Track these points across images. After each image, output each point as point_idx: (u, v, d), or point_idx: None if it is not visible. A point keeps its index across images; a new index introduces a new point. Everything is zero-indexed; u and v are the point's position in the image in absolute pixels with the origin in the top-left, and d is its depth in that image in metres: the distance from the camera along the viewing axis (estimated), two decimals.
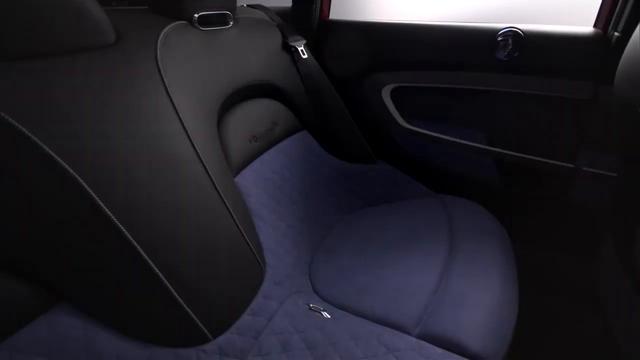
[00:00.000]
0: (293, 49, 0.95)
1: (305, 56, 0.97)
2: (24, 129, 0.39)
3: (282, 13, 1.02)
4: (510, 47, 0.85)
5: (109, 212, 0.44)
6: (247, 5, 0.98)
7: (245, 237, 0.64)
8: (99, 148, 0.46)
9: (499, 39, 0.87)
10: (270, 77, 0.89)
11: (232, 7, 0.80)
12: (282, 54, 0.95)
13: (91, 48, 0.50)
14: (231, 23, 0.80)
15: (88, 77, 0.48)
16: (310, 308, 0.68)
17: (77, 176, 0.42)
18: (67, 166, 0.41)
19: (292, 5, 1.05)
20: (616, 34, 0.78)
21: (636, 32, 0.63)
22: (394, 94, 1.05)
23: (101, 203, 0.44)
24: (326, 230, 0.94)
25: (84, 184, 0.42)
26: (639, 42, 0.59)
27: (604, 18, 0.83)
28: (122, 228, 0.45)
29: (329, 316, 0.66)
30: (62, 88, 0.45)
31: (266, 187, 0.82)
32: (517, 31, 0.85)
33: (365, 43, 1.03)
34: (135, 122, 0.51)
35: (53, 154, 0.41)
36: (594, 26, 0.84)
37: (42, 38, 0.44)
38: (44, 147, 0.40)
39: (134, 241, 0.46)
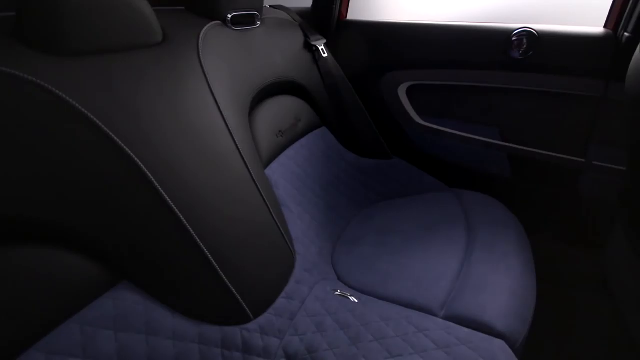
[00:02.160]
0: (314, 48, 0.99)
1: (325, 55, 1.01)
2: (91, 116, 0.43)
3: (301, 13, 1.06)
4: (525, 46, 0.89)
5: (167, 198, 0.48)
6: (270, 6, 1.01)
7: (278, 225, 0.68)
8: (155, 137, 0.49)
9: (514, 38, 0.91)
10: (293, 75, 0.93)
11: (260, 7, 0.83)
12: (303, 53, 0.98)
13: (144, 46, 0.54)
14: (258, 23, 0.83)
15: (143, 73, 0.52)
16: (338, 293, 0.71)
17: (138, 162, 0.46)
18: (129, 151, 0.45)
19: (313, 6, 1.09)
20: (626, 34, 0.82)
21: None
22: (409, 92, 1.09)
23: (161, 189, 0.47)
24: (345, 222, 0.98)
25: (145, 169, 0.46)
26: None
27: (614, 19, 0.87)
28: (179, 213, 0.49)
29: (356, 300, 0.70)
30: (122, 81, 0.48)
31: (292, 180, 0.86)
32: (531, 31, 0.89)
33: (382, 43, 1.07)
34: (184, 115, 0.55)
35: (119, 141, 0.44)
36: (605, 27, 0.88)
37: (105, 37, 0.48)
38: (110, 133, 0.44)
39: (188, 226, 0.50)
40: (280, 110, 0.89)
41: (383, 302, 0.69)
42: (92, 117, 0.42)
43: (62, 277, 0.41)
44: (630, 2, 0.82)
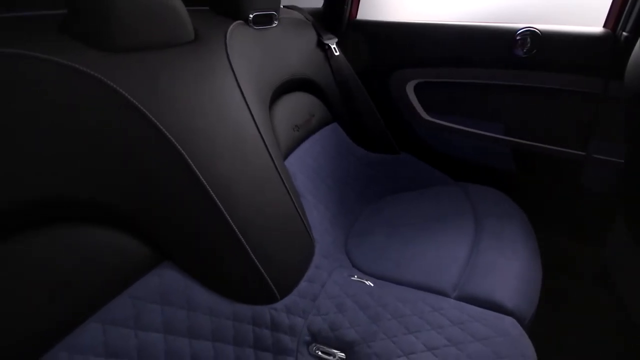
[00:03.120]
0: (327, 46, 1.03)
1: (337, 53, 1.05)
2: (140, 106, 0.46)
3: (313, 13, 1.10)
4: (529, 45, 0.94)
5: (206, 184, 0.52)
6: (284, 6, 1.05)
7: (299, 213, 0.72)
8: (192, 128, 0.53)
9: (518, 37, 0.95)
10: (307, 72, 0.97)
11: (277, 8, 0.87)
12: (316, 51, 1.02)
13: (179, 43, 0.58)
14: (276, 22, 0.87)
15: (179, 68, 0.56)
16: (354, 279, 0.76)
17: (181, 150, 0.50)
18: (173, 140, 0.49)
19: (324, 6, 1.13)
20: (624, 33, 0.87)
21: None
22: (417, 89, 1.13)
23: (200, 176, 0.51)
24: (356, 215, 1.02)
25: (187, 157, 0.50)
26: None
27: (612, 19, 0.91)
28: (216, 199, 0.53)
29: (372, 284, 0.74)
30: (162, 76, 0.52)
31: (307, 173, 0.90)
32: (534, 30, 0.93)
33: (390, 42, 1.11)
34: (217, 108, 0.58)
35: (164, 130, 0.48)
36: (604, 26, 0.93)
37: (146, 35, 0.52)
38: (157, 123, 0.48)
39: (224, 211, 0.54)
40: (296, 106, 0.93)
41: (398, 285, 0.73)
42: (140, 107, 0.46)
43: (114, 255, 0.45)
44: (629, 3, 0.86)
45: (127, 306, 0.45)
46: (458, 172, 1.12)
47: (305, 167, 0.90)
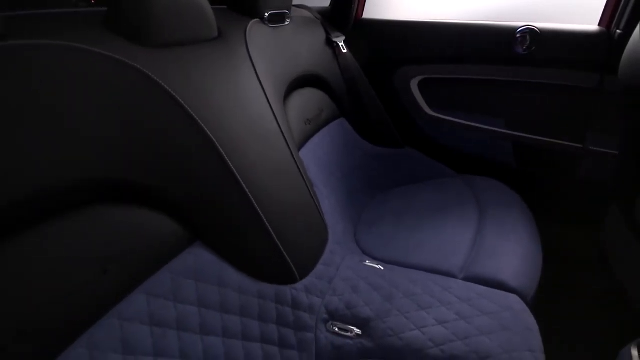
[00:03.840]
0: (335, 44, 1.07)
1: (345, 51, 1.09)
2: (177, 97, 0.51)
3: (321, 12, 1.14)
4: (528, 42, 0.98)
5: (235, 171, 0.56)
6: (294, 5, 1.09)
7: (315, 201, 0.76)
8: (220, 118, 0.57)
9: (518, 35, 1.00)
10: (317, 69, 1.01)
11: (289, 7, 0.91)
12: (325, 48, 1.07)
13: (206, 40, 0.62)
14: (288, 21, 0.91)
15: (207, 63, 0.60)
16: (366, 264, 0.80)
17: (212, 138, 0.54)
18: (205, 129, 0.53)
19: (332, 6, 1.17)
20: (618, 31, 0.92)
21: (637, 30, 0.76)
22: (421, 85, 1.18)
23: (229, 163, 0.55)
24: (363, 206, 1.06)
25: (217, 144, 0.54)
26: (639, 37, 0.72)
27: (607, 17, 0.96)
28: (243, 185, 0.57)
29: (382, 268, 0.78)
30: (194, 70, 0.56)
31: (319, 165, 0.94)
32: (533, 29, 0.98)
33: (395, 40, 1.16)
34: (240, 100, 0.63)
35: (198, 119, 0.52)
36: (599, 24, 0.98)
37: (179, 32, 0.56)
38: (192, 113, 0.52)
39: (250, 196, 0.58)
40: (307, 101, 0.97)
41: (408, 269, 0.77)
42: (177, 98, 0.50)
43: (153, 234, 0.49)
44: (622, 2, 0.91)
45: (167, 281, 0.49)
46: (460, 165, 1.16)
47: (316, 159, 0.94)
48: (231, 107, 0.60)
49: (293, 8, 1.05)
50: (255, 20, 0.79)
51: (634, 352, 0.55)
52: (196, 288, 0.52)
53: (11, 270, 0.35)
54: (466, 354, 0.56)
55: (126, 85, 0.46)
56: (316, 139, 0.98)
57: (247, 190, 0.57)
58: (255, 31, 0.76)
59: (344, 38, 1.10)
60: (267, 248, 0.61)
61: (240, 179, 0.56)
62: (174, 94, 0.50)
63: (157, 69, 0.50)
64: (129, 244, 0.46)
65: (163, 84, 0.49)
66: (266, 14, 0.82)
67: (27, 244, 0.36)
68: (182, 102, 0.51)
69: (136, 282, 0.46)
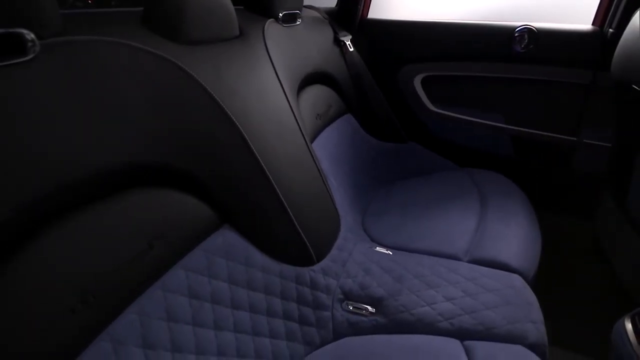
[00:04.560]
0: (342, 43, 1.12)
1: (351, 49, 1.14)
2: (209, 90, 0.55)
3: (328, 12, 1.19)
4: (526, 41, 1.04)
5: (259, 159, 0.60)
6: (303, 6, 1.14)
7: (328, 191, 0.81)
8: (245, 110, 0.62)
9: (516, 34, 1.05)
10: (326, 66, 1.06)
11: (300, 7, 0.96)
12: (333, 47, 1.11)
13: (229, 38, 0.67)
14: (299, 21, 0.96)
15: (232, 59, 0.64)
16: (376, 249, 0.85)
17: (240, 128, 0.58)
18: (234, 119, 0.58)
19: (339, 6, 1.22)
20: (611, 30, 0.97)
21: (627, 29, 0.82)
22: (424, 82, 1.23)
23: (255, 151, 0.60)
24: (369, 199, 1.11)
25: (245, 134, 0.59)
26: (630, 36, 0.78)
27: (600, 17, 1.02)
28: (267, 172, 0.61)
29: (391, 253, 0.83)
30: (221, 65, 0.61)
31: (329, 158, 0.99)
32: (531, 28, 1.03)
33: (399, 39, 1.21)
34: (262, 95, 0.67)
35: (227, 110, 0.57)
36: (593, 24, 1.03)
37: (208, 31, 0.61)
38: (221, 104, 0.56)
39: (274, 183, 0.62)
40: (317, 97, 1.02)
41: (415, 253, 0.82)
42: (209, 90, 0.55)
43: (189, 215, 0.54)
44: (614, 3, 0.97)
45: (202, 258, 0.53)
46: (462, 159, 1.22)
47: (326, 153, 0.99)
48: (253, 101, 0.65)
49: (303, 8, 1.10)
50: (271, 20, 0.84)
51: (627, 325, 0.60)
52: (226, 266, 0.57)
53: (75, 242, 0.40)
54: (473, 325, 0.61)
55: (166, 79, 0.51)
56: (325, 133, 1.03)
57: (271, 178, 0.62)
58: (272, 30, 0.81)
59: (350, 37, 1.15)
60: (288, 232, 0.66)
61: (265, 167, 0.61)
62: (206, 87, 0.55)
63: (190, 64, 0.54)
64: (169, 223, 0.50)
65: (197, 77, 0.54)
66: (280, 14, 0.86)
67: (89, 220, 0.41)
68: (213, 95, 0.55)
69: (176, 258, 0.50)
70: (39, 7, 0.38)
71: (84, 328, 0.38)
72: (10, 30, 0.36)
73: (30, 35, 0.38)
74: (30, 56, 0.38)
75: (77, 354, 0.38)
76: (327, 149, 1.00)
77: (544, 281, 0.80)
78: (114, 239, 0.43)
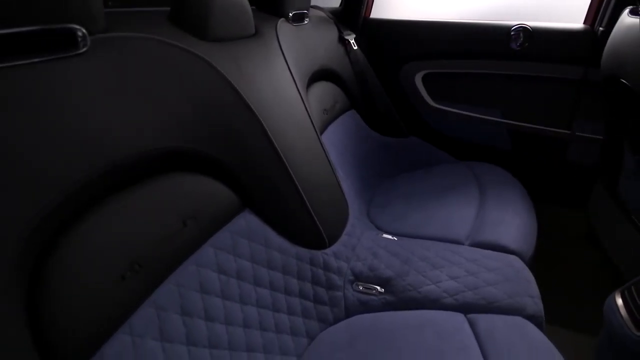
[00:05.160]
0: (347, 42, 1.17)
1: (355, 47, 1.19)
2: (233, 83, 0.60)
3: (332, 12, 1.24)
4: (522, 39, 1.09)
5: (277, 147, 0.65)
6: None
7: (337, 180, 0.86)
8: (263, 102, 0.67)
9: (512, 33, 1.11)
10: (332, 64, 1.11)
11: (308, 7, 1.01)
12: (338, 45, 1.16)
13: (247, 36, 0.71)
14: (307, 20, 1.01)
15: (251, 55, 0.69)
16: (383, 236, 0.90)
17: (260, 118, 0.63)
18: (255, 110, 0.62)
19: (343, 6, 1.27)
20: (601, 28, 1.03)
21: (615, 27, 0.88)
22: (424, 79, 1.28)
23: (273, 140, 0.65)
24: (373, 191, 1.16)
25: (264, 124, 0.63)
26: (618, 34, 0.84)
27: (591, 17, 1.08)
28: (285, 160, 0.66)
29: (397, 239, 0.88)
30: (243, 60, 0.66)
31: (336, 152, 1.04)
32: (526, 27, 1.09)
33: (401, 37, 1.26)
34: (278, 89, 0.72)
35: (249, 102, 0.61)
36: (584, 23, 1.09)
37: (229, 29, 0.65)
38: (244, 97, 0.61)
39: (290, 170, 0.67)
40: (323, 93, 1.07)
41: (420, 239, 0.87)
42: (233, 83, 0.59)
43: (215, 199, 0.58)
44: (604, 3, 1.03)
45: (228, 238, 0.58)
46: (461, 152, 1.27)
47: (333, 146, 1.03)
48: (270, 94, 0.70)
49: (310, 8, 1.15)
50: (282, 19, 0.89)
51: (618, 299, 0.65)
52: (249, 246, 0.61)
53: (123, 218, 0.44)
54: (476, 300, 0.66)
55: (196, 73, 0.55)
56: (332, 127, 1.08)
57: (288, 166, 0.67)
58: (283, 29, 0.86)
59: (354, 36, 1.20)
60: (304, 217, 0.70)
61: (282, 155, 0.66)
62: (230, 80, 0.59)
63: (215, 59, 0.59)
64: (199, 204, 0.55)
65: (222, 71, 0.58)
66: (290, 14, 0.91)
67: (134, 199, 0.46)
68: (236, 87, 0.60)
69: (206, 237, 0.55)
70: (89, 5, 0.43)
71: (132, 292, 0.43)
72: (67, 25, 0.41)
73: (82, 31, 0.42)
74: (82, 50, 0.43)
75: (127, 317, 0.42)
76: (333, 143, 1.04)
77: (541, 265, 0.85)
78: (155, 217, 0.47)
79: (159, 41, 0.51)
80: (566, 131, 1.13)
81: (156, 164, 0.50)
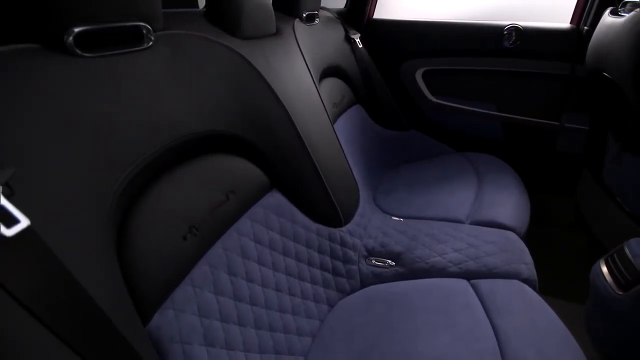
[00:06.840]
0: (352, 40, 1.25)
1: (360, 46, 1.27)
2: (263, 75, 0.67)
3: (338, 12, 1.32)
4: (514, 38, 1.19)
5: (301, 134, 0.73)
6: None
7: (349, 166, 0.94)
8: (288, 93, 0.74)
9: (505, 32, 1.20)
10: (339, 61, 1.19)
11: (318, 8, 1.09)
12: (344, 44, 1.24)
13: (270, 34, 0.79)
14: (317, 20, 1.09)
15: (275, 51, 0.77)
16: (390, 218, 0.98)
17: (286, 107, 0.71)
18: (282, 99, 0.70)
19: (348, 7, 1.36)
20: (586, 28, 1.13)
21: (598, 26, 0.97)
22: (424, 76, 1.37)
23: (297, 127, 0.72)
24: (377, 180, 1.24)
25: (290, 113, 0.71)
26: (600, 32, 0.93)
27: (577, 17, 1.17)
28: (307, 146, 0.74)
29: (403, 221, 0.96)
30: (270, 56, 0.73)
31: (345, 142, 1.12)
32: (517, 26, 1.18)
33: (402, 36, 1.34)
34: (299, 82, 0.80)
35: (277, 92, 0.69)
36: (570, 22, 1.19)
37: (257, 28, 0.73)
38: (272, 87, 0.69)
39: (312, 155, 0.75)
40: (332, 88, 1.15)
41: (424, 220, 0.96)
42: (264, 77, 0.67)
43: (249, 177, 0.66)
44: (588, 4, 1.13)
45: (261, 213, 0.66)
46: (458, 144, 1.36)
47: (342, 138, 1.11)
48: (292, 86, 0.77)
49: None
50: (297, 19, 0.96)
51: (603, 267, 0.74)
52: (278, 221, 0.69)
53: (180, 188, 0.51)
54: (478, 268, 0.75)
55: (234, 66, 0.63)
56: (340, 120, 1.16)
57: (309, 150, 0.74)
58: (299, 28, 0.94)
59: (359, 35, 1.28)
60: (323, 197, 0.78)
61: (305, 141, 0.74)
62: (261, 73, 0.67)
63: (248, 54, 0.66)
64: (237, 181, 0.62)
65: (255, 65, 0.66)
66: (304, 14, 0.99)
67: (188, 173, 0.53)
68: (266, 79, 0.68)
69: (243, 209, 0.63)
70: (153, 5, 0.50)
71: (191, 251, 0.50)
72: (136, 23, 0.48)
73: (147, 28, 0.49)
74: (147, 45, 0.50)
75: (188, 272, 0.50)
76: (342, 134, 1.12)
77: (533, 245, 0.94)
78: (205, 189, 0.55)
79: (205, 38, 0.59)
80: (555, 123, 1.23)
81: (204, 145, 0.57)
